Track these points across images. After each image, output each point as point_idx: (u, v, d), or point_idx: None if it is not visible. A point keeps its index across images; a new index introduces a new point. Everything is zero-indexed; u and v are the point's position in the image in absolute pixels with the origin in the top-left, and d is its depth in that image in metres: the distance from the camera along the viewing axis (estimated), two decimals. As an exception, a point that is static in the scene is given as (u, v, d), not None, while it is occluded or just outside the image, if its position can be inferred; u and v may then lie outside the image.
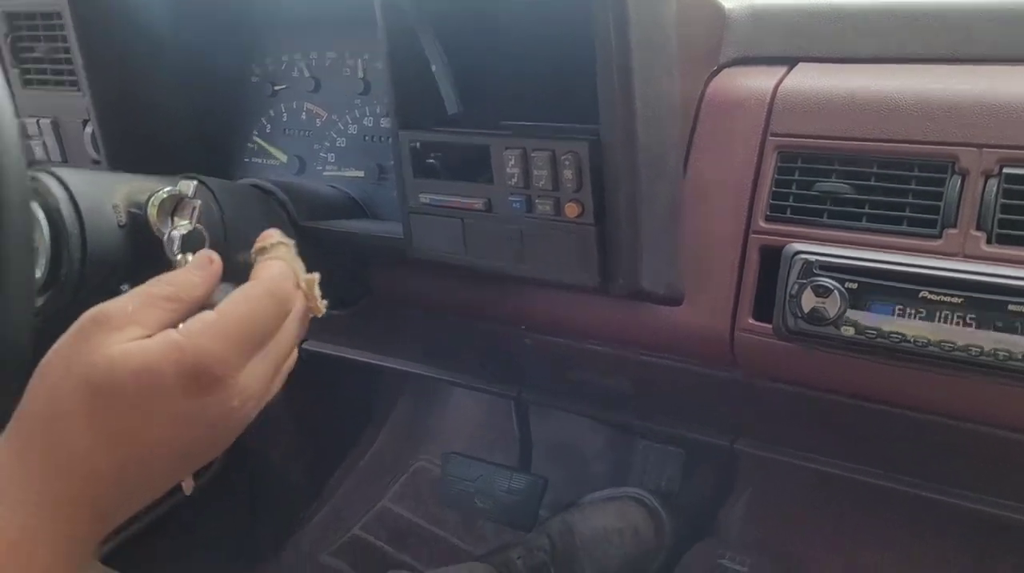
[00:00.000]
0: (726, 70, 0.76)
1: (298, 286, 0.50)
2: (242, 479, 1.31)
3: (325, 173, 0.95)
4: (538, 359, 0.91)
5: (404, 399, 1.32)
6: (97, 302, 0.49)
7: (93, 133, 0.95)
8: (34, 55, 0.97)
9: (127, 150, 0.96)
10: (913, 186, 0.64)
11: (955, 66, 0.68)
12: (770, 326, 0.67)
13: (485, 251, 0.73)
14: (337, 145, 0.94)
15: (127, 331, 0.43)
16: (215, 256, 0.50)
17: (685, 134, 0.72)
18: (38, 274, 0.73)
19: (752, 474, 1.13)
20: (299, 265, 0.52)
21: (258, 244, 0.52)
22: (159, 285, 0.47)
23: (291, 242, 0.53)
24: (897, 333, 0.60)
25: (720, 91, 0.74)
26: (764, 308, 0.68)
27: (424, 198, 0.75)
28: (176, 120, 0.97)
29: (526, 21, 0.73)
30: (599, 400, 0.93)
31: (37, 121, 1.00)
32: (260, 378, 0.46)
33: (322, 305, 0.52)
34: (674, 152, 0.68)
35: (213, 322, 0.44)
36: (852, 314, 0.62)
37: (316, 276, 0.52)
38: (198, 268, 0.49)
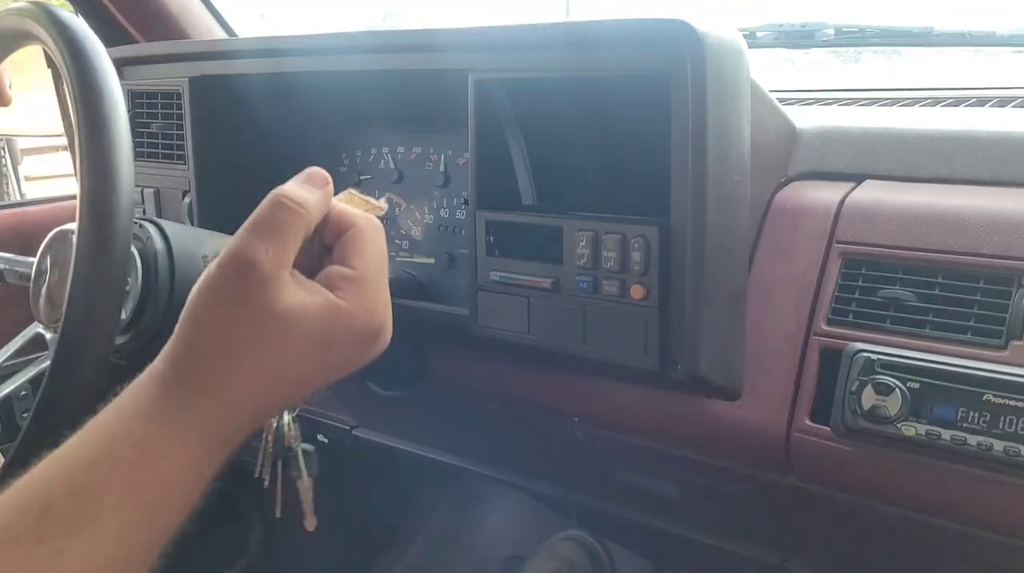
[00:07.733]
0: (793, 183, 0.79)
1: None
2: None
3: (397, 258, 0.99)
4: (585, 457, 0.91)
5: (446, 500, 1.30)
6: None
7: (190, 203, 1.02)
8: (150, 130, 1.06)
9: (219, 221, 1.02)
10: (978, 297, 0.64)
11: (1019, 189, 0.70)
12: (828, 428, 0.67)
13: (549, 330, 0.75)
14: (412, 234, 0.99)
15: (281, 275, 0.46)
16: (328, 176, 0.52)
17: (751, 236, 0.75)
18: (124, 314, 0.77)
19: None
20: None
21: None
22: (290, 217, 0.48)
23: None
24: (959, 436, 0.59)
25: (787, 199, 0.76)
26: (822, 412, 0.68)
27: (494, 275, 0.78)
28: (267, 198, 1.04)
29: (605, 116, 0.77)
30: (646, 506, 0.91)
31: (142, 190, 1.07)
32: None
33: (381, 202, 0.54)
34: (741, 245, 0.70)
35: (366, 282, 0.48)
36: (913, 415, 0.61)
37: (353, 191, 0.54)
38: (315, 186, 0.51)
